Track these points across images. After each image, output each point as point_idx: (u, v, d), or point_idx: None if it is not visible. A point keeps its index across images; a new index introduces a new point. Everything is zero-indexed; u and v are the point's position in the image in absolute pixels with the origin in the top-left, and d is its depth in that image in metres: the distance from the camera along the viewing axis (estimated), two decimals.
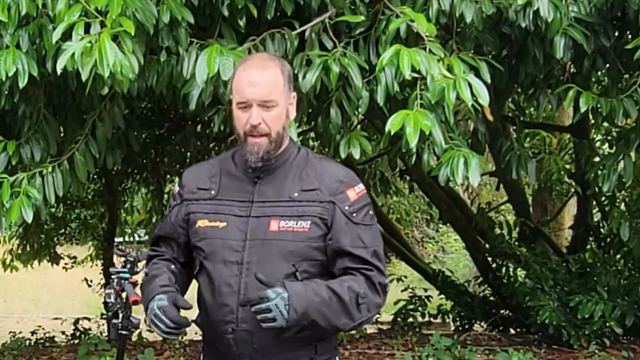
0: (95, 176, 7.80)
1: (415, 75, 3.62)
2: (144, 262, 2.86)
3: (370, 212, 2.29)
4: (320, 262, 2.24)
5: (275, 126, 2.22)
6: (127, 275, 2.86)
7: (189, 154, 6.68)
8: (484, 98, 3.60)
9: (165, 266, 2.36)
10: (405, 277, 8.89)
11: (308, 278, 2.20)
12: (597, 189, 4.87)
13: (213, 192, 2.30)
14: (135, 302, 2.76)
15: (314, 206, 2.22)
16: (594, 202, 7.00)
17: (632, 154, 4.53)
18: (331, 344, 2.31)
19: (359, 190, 2.28)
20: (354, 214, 2.24)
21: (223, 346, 2.25)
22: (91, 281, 9.72)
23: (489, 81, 3.86)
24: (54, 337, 7.85)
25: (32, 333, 7.87)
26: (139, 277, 2.86)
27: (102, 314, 8.19)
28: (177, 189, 2.40)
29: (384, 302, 2.26)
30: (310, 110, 4.20)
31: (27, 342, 7.43)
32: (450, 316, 7.74)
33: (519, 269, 7.02)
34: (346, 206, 2.23)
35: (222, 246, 2.24)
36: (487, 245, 7.41)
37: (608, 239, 6.89)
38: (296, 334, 2.18)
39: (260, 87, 2.18)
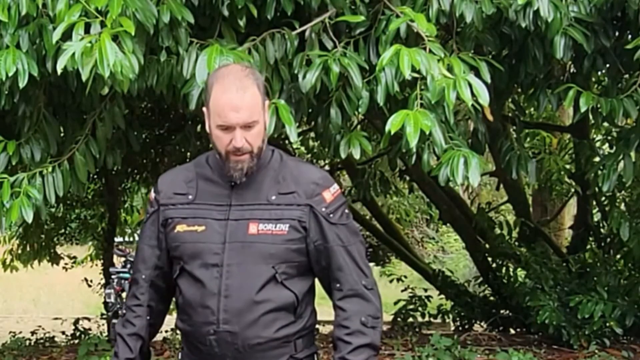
0: (95, 176, 7.81)
1: (415, 75, 3.62)
2: None
3: (346, 211, 2.34)
4: (298, 263, 2.28)
5: (256, 142, 2.24)
6: (127, 275, 2.88)
7: (189, 154, 6.67)
8: (484, 98, 3.60)
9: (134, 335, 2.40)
10: (405, 277, 8.90)
11: (287, 279, 2.26)
12: (597, 189, 4.86)
13: (190, 196, 2.31)
14: None
15: (292, 209, 2.26)
16: (594, 202, 7.00)
17: (632, 154, 4.53)
18: (310, 340, 2.36)
19: (334, 191, 2.32)
20: (331, 215, 2.28)
21: (205, 347, 2.29)
22: (91, 281, 9.73)
23: (489, 81, 3.86)
24: (54, 337, 7.85)
25: (32, 333, 7.88)
26: None
27: (102, 314, 8.19)
28: (153, 195, 2.40)
29: (378, 300, 2.32)
30: (310, 110, 4.20)
31: (27, 342, 7.43)
32: (450, 316, 7.75)
33: (519, 269, 7.03)
34: (323, 208, 2.27)
35: (201, 249, 2.27)
36: (487, 245, 7.41)
37: (608, 239, 6.89)
38: (276, 332, 2.25)
39: (243, 110, 2.18)
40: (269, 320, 2.24)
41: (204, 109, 2.28)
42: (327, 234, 2.27)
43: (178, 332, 7.25)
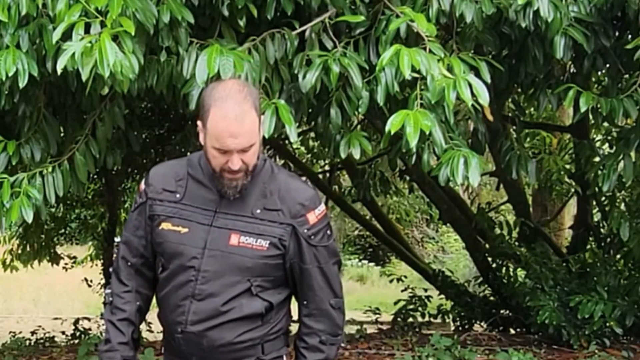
0: (95, 176, 7.81)
1: (415, 75, 3.62)
2: None
3: (328, 232, 2.36)
4: (274, 278, 2.33)
5: (251, 161, 2.24)
6: None
7: (188, 154, 6.66)
8: (484, 98, 3.60)
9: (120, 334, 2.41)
10: (405, 277, 8.90)
11: (262, 292, 2.29)
12: (597, 189, 4.86)
13: (178, 195, 2.33)
14: None
15: (275, 227, 2.28)
16: (594, 202, 6.99)
17: (632, 154, 4.53)
18: (280, 343, 2.40)
19: (319, 212, 2.33)
20: (312, 237, 2.31)
21: (174, 343, 2.35)
22: (91, 281, 9.72)
23: (489, 81, 3.86)
24: (54, 337, 7.85)
25: (32, 333, 7.88)
26: None
27: (102, 314, 8.17)
28: (142, 186, 2.41)
29: (341, 318, 2.41)
30: (310, 110, 4.20)
31: (27, 342, 7.43)
32: (450, 316, 7.74)
33: (519, 269, 7.02)
34: (305, 229, 2.30)
35: (182, 251, 2.29)
36: (487, 245, 7.41)
37: (608, 239, 6.88)
38: (240, 336, 2.29)
39: (242, 137, 2.18)
40: (233, 325, 2.29)
41: (199, 122, 2.26)
42: (305, 254, 2.31)
43: None
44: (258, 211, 2.28)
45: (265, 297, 2.30)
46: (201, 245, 2.27)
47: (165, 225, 2.32)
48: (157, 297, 2.41)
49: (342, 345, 2.54)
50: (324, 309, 2.36)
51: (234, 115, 2.16)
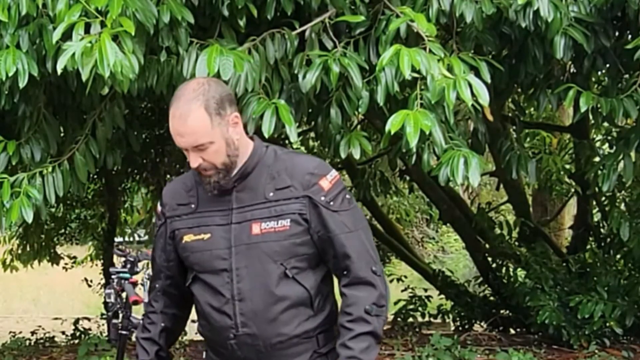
0: (95, 176, 7.81)
1: (415, 75, 3.62)
2: (144, 262, 2.88)
3: (347, 196, 2.29)
4: (307, 256, 2.26)
5: (217, 159, 2.22)
6: (127, 275, 2.87)
7: None
8: (484, 98, 3.60)
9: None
10: (405, 277, 8.89)
11: (298, 273, 2.24)
12: (597, 189, 4.86)
13: (193, 205, 2.32)
14: (136, 302, 2.77)
15: (291, 203, 2.24)
16: (594, 202, 7.00)
17: (632, 154, 4.53)
18: (332, 333, 2.32)
19: (332, 178, 2.27)
20: (331, 203, 2.25)
21: (227, 351, 2.30)
22: (91, 281, 9.73)
23: (489, 81, 3.86)
24: (54, 337, 7.86)
25: (32, 333, 7.89)
26: (139, 277, 2.87)
27: (102, 314, 8.18)
28: (159, 208, 2.43)
29: (384, 287, 2.28)
30: (310, 110, 4.20)
31: (27, 342, 7.44)
32: (450, 316, 7.74)
33: (519, 269, 7.02)
34: (321, 197, 2.24)
35: (210, 257, 2.28)
36: (487, 245, 7.41)
37: (608, 239, 6.89)
38: (295, 329, 2.25)
39: (187, 136, 2.19)
40: (286, 317, 2.24)
41: None
42: (329, 223, 2.24)
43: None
44: (271, 194, 2.25)
45: (302, 281, 2.24)
46: (227, 245, 2.25)
47: (188, 238, 2.31)
48: (196, 309, 2.39)
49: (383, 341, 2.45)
50: (365, 277, 2.25)
51: (179, 114, 2.18)
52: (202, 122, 2.18)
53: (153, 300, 2.46)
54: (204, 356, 2.46)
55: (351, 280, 2.26)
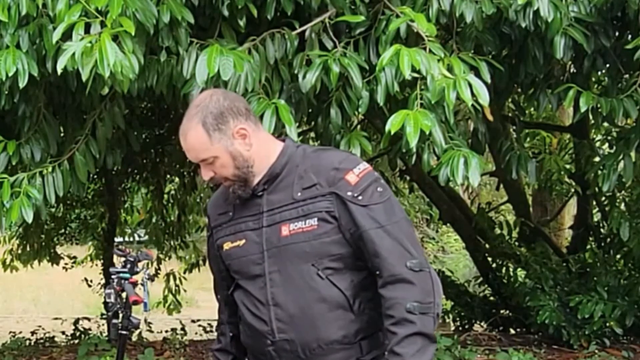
0: (95, 176, 7.81)
1: (415, 75, 3.62)
2: (144, 262, 2.88)
3: (379, 189, 2.16)
4: (340, 256, 2.16)
5: (226, 172, 2.22)
6: (127, 275, 2.86)
7: None
8: (484, 98, 3.60)
9: None
10: None
11: (333, 274, 2.16)
12: (597, 189, 4.86)
13: (230, 213, 2.32)
14: (135, 302, 2.77)
15: (317, 202, 2.17)
16: (594, 202, 7.00)
17: (632, 154, 4.53)
18: (377, 340, 2.19)
19: (359, 171, 2.17)
20: (360, 197, 2.14)
21: (266, 358, 2.27)
22: (91, 281, 9.72)
23: (489, 81, 3.86)
24: (54, 337, 7.85)
25: (32, 333, 7.88)
26: (139, 277, 2.86)
27: (102, 314, 8.19)
28: (206, 219, 2.47)
29: (427, 282, 2.13)
30: (310, 110, 4.21)
31: (27, 342, 7.44)
32: (450, 316, 7.74)
33: (519, 269, 7.03)
34: (348, 192, 2.15)
35: (246, 263, 2.26)
36: (487, 245, 7.41)
37: (608, 239, 6.89)
38: (334, 333, 2.17)
39: (190, 152, 2.22)
40: (324, 321, 2.16)
41: None
42: (358, 218, 2.12)
43: (178, 332, 7.25)
44: (298, 194, 2.19)
45: (336, 282, 2.15)
46: (259, 250, 2.22)
47: (227, 246, 2.31)
48: (238, 317, 2.38)
49: (439, 315, 2.16)
50: (399, 275, 2.09)
51: (181, 131, 2.23)
52: (199, 139, 2.18)
53: (220, 312, 2.48)
54: None
55: (385, 280, 2.12)
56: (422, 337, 2.08)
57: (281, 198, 2.22)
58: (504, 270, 7.23)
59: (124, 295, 2.84)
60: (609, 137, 6.27)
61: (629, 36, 4.40)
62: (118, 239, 9.80)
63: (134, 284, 2.86)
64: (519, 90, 5.29)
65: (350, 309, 2.16)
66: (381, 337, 2.18)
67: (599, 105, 4.18)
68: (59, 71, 3.38)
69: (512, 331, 7.22)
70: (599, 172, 4.61)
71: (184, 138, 2.22)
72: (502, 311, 7.39)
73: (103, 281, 8.98)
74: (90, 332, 7.74)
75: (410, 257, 2.13)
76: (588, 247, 7.16)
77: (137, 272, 2.88)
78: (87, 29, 3.42)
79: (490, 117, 3.96)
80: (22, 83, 3.63)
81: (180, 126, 2.24)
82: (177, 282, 8.97)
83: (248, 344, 2.36)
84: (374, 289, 2.16)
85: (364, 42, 4.02)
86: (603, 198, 6.56)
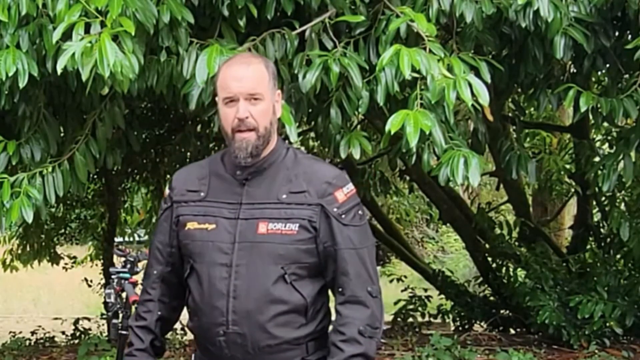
0: (95, 176, 7.80)
1: (415, 75, 3.62)
2: (144, 262, 2.87)
3: (359, 212, 2.28)
4: (308, 265, 2.23)
5: (262, 120, 2.22)
6: (127, 275, 2.87)
7: (189, 154, 6.67)
8: (484, 98, 3.60)
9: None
10: (405, 277, 8.90)
11: (296, 280, 2.22)
12: (597, 189, 4.86)
13: (202, 194, 2.30)
14: (135, 302, 2.76)
15: (303, 209, 2.22)
16: (594, 202, 6.99)
17: (632, 154, 4.53)
18: (323, 342, 2.29)
19: (347, 191, 2.26)
20: (343, 216, 2.23)
21: (215, 348, 2.27)
22: (91, 281, 9.72)
23: (489, 81, 3.86)
24: (54, 337, 7.86)
25: (32, 333, 7.88)
26: (139, 277, 2.87)
27: (102, 314, 8.19)
28: (167, 191, 2.40)
29: (380, 309, 2.26)
30: (310, 110, 4.20)
31: (27, 342, 7.44)
32: (450, 316, 7.74)
33: (519, 269, 7.02)
34: (334, 208, 2.22)
35: (211, 248, 2.24)
36: (487, 245, 7.41)
37: (608, 239, 6.89)
38: (286, 335, 2.22)
39: (246, 80, 2.20)
40: (278, 322, 2.21)
41: (217, 98, 2.29)
42: (337, 235, 2.22)
43: (178, 332, 7.23)
44: (284, 196, 2.22)
45: (299, 289, 2.21)
46: (230, 240, 2.22)
47: (191, 225, 2.28)
48: (187, 303, 2.35)
49: (381, 341, 2.41)
50: (361, 297, 2.22)
51: (239, 62, 2.26)
52: (262, 73, 2.24)
53: (150, 288, 2.40)
54: (192, 358, 2.43)
55: (347, 299, 2.23)
56: (364, 358, 2.21)
57: (263, 195, 2.24)
58: (504, 270, 7.22)
59: (124, 295, 2.84)
60: (609, 137, 6.28)
61: (629, 36, 4.40)
62: (118, 239, 9.79)
63: (134, 284, 2.86)
64: (519, 90, 5.29)
65: (305, 314, 2.24)
66: (324, 340, 2.28)
67: (599, 105, 4.18)
68: (59, 71, 3.38)
69: (512, 331, 7.22)
70: (599, 172, 4.61)
71: (246, 65, 2.23)
72: (502, 311, 7.38)
73: (103, 281, 8.97)
74: (90, 332, 7.75)
75: (372, 283, 2.25)
76: (588, 247, 7.15)
77: (137, 272, 2.89)
78: (87, 29, 3.42)
79: (490, 117, 3.96)
80: (22, 83, 3.63)
81: (231, 62, 2.28)
82: None
83: (197, 334, 2.34)
84: (325, 300, 2.30)
85: (364, 42, 4.02)
86: (603, 198, 6.55)
